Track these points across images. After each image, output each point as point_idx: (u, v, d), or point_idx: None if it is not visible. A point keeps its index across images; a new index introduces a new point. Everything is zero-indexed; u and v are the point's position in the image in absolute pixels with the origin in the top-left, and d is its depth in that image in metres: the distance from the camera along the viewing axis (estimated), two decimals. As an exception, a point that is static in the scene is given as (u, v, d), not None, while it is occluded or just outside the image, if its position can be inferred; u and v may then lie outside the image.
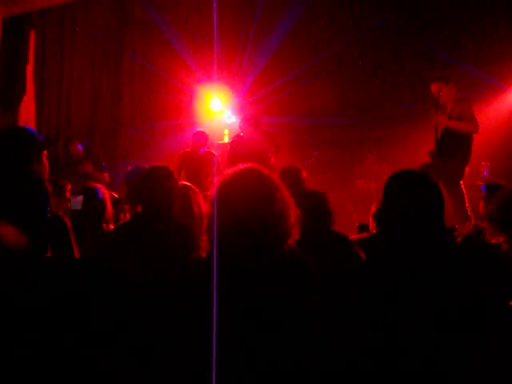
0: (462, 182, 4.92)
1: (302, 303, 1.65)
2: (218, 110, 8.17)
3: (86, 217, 2.90)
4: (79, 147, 6.31)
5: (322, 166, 7.02)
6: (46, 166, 2.11)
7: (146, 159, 7.20)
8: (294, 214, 1.70)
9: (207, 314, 1.55)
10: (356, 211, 6.02)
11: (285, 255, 1.66)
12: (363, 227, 3.81)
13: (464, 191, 4.92)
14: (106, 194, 3.06)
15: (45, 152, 2.11)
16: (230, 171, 1.70)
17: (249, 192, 1.62)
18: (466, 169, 4.88)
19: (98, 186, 3.12)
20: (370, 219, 3.57)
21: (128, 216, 3.67)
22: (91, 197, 3.01)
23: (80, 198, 3.10)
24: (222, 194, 1.66)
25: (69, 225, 2.06)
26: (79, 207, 3.06)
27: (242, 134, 5.99)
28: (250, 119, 5.91)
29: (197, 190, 2.49)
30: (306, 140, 7.43)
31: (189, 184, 2.60)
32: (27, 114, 7.77)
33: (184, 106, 8.32)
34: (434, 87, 4.89)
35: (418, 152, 5.38)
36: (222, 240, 1.62)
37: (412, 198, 1.92)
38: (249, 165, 1.71)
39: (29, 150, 2.05)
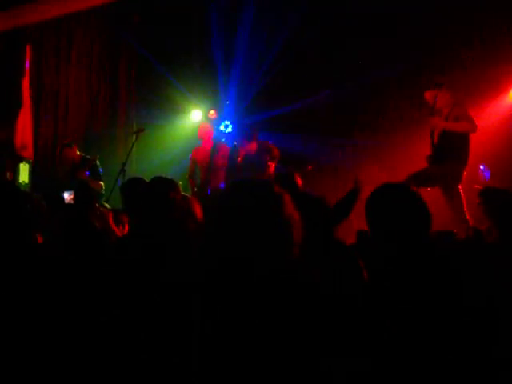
0: (460, 186, 4.93)
1: (306, 313, 1.64)
2: (214, 119, 8.19)
3: (76, 208, 2.94)
4: (76, 152, 6.20)
5: (322, 172, 7.04)
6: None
7: (143, 169, 7.24)
8: (299, 222, 1.70)
9: (206, 326, 1.55)
10: (356, 218, 6.01)
11: (293, 263, 1.64)
12: (362, 234, 3.81)
13: (462, 195, 4.92)
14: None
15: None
16: (233, 184, 1.70)
17: (255, 203, 1.61)
18: (464, 172, 4.88)
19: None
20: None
21: (126, 227, 3.68)
22: (81, 190, 3.06)
23: (71, 192, 3.18)
24: (228, 205, 1.65)
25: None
26: (71, 201, 3.15)
27: (236, 144, 6.11)
28: (246, 134, 6.03)
29: (194, 199, 2.50)
30: (303, 147, 7.46)
31: (186, 195, 2.61)
32: (24, 127, 7.78)
33: (182, 115, 8.37)
34: (428, 95, 4.90)
35: (416, 157, 5.38)
36: (228, 252, 1.60)
37: (396, 212, 1.91)
38: (251, 177, 1.71)
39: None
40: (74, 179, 5.82)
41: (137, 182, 3.43)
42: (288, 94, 7.65)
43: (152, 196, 2.28)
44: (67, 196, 3.21)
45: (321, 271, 1.74)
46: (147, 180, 2.83)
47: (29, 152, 7.41)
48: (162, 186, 2.31)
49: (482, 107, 6.25)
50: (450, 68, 6.45)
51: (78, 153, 6.25)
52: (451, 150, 4.75)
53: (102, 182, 6.06)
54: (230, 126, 8.27)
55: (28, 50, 7.53)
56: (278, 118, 7.70)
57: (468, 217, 4.84)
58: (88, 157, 6.19)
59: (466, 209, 4.88)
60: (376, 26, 6.72)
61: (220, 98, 8.43)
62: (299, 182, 4.13)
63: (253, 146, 5.90)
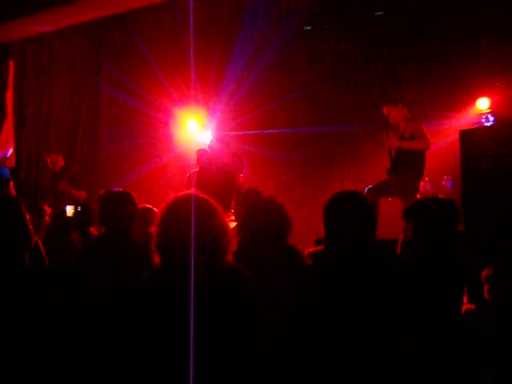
0: (418, 196, 5.22)
1: (239, 311, 1.93)
2: (195, 132, 8.37)
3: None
4: (61, 161, 6.39)
5: (294, 183, 7.29)
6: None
7: (123, 182, 7.44)
8: (229, 231, 2.02)
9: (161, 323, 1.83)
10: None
11: (225, 267, 1.95)
12: (320, 241, 4.05)
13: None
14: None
15: (11, 183, 2.36)
16: (172, 197, 2.00)
17: (190, 213, 1.91)
18: (421, 183, 5.21)
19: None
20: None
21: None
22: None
23: (72, 206, 3.45)
24: (168, 215, 1.96)
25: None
26: (71, 214, 3.40)
27: (207, 150, 6.02)
28: (221, 139, 6.16)
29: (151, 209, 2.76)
30: (279, 157, 7.72)
31: (149, 206, 2.87)
32: (7, 140, 7.98)
33: (162, 128, 8.56)
34: (385, 109, 5.22)
35: (379, 169, 5.68)
36: (169, 254, 1.93)
37: (345, 216, 2.22)
38: (188, 192, 2.00)
39: None
40: (55, 189, 6.03)
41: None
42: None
43: (108, 208, 2.55)
44: (70, 210, 3.39)
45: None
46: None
47: (11, 162, 7.62)
48: (119, 199, 2.58)
49: (446, 120, 6.57)
50: (412, 82, 6.76)
51: (63, 163, 6.46)
52: (407, 163, 5.08)
53: (83, 192, 6.28)
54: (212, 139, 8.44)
55: (11, 64, 7.77)
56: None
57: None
58: (69, 167, 6.45)
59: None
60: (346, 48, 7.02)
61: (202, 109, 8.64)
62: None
63: (226, 150, 5.81)
